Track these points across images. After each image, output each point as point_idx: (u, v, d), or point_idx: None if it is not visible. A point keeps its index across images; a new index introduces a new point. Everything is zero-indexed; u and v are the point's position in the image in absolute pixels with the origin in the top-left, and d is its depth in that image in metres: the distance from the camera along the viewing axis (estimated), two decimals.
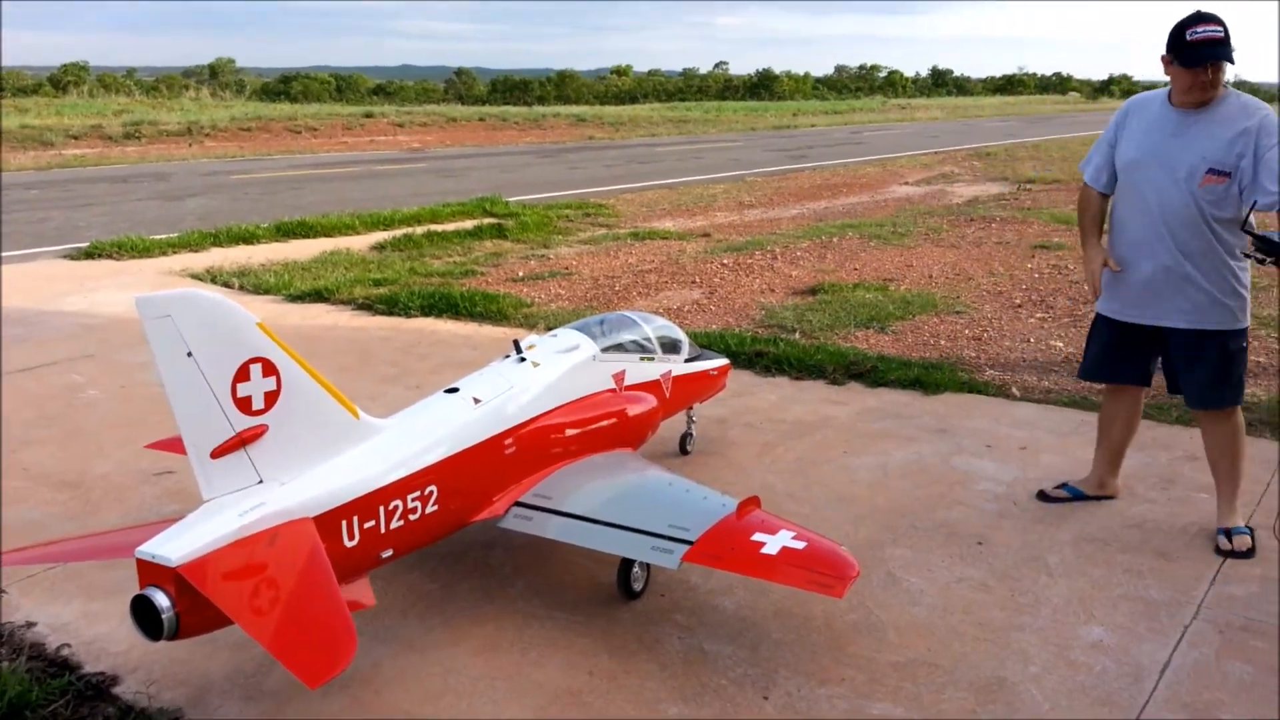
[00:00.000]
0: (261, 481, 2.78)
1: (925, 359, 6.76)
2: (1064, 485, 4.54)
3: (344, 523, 2.93)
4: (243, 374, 2.68)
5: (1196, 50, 3.75)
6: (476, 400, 3.50)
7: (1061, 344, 7.20)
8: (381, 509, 3.05)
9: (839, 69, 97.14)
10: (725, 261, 10.55)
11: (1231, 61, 3.78)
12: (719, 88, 75.13)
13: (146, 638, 2.59)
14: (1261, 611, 3.53)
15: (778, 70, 78.81)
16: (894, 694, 3.05)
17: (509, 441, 3.54)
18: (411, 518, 3.16)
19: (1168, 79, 3.96)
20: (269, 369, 2.74)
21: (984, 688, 3.08)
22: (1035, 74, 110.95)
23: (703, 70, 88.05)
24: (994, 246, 11.48)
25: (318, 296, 8.96)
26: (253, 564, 2.59)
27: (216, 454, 2.67)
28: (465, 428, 3.41)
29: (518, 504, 3.54)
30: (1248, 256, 3.78)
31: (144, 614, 2.56)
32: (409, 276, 9.80)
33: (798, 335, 7.39)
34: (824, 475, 4.80)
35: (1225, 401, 4.07)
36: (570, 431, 3.80)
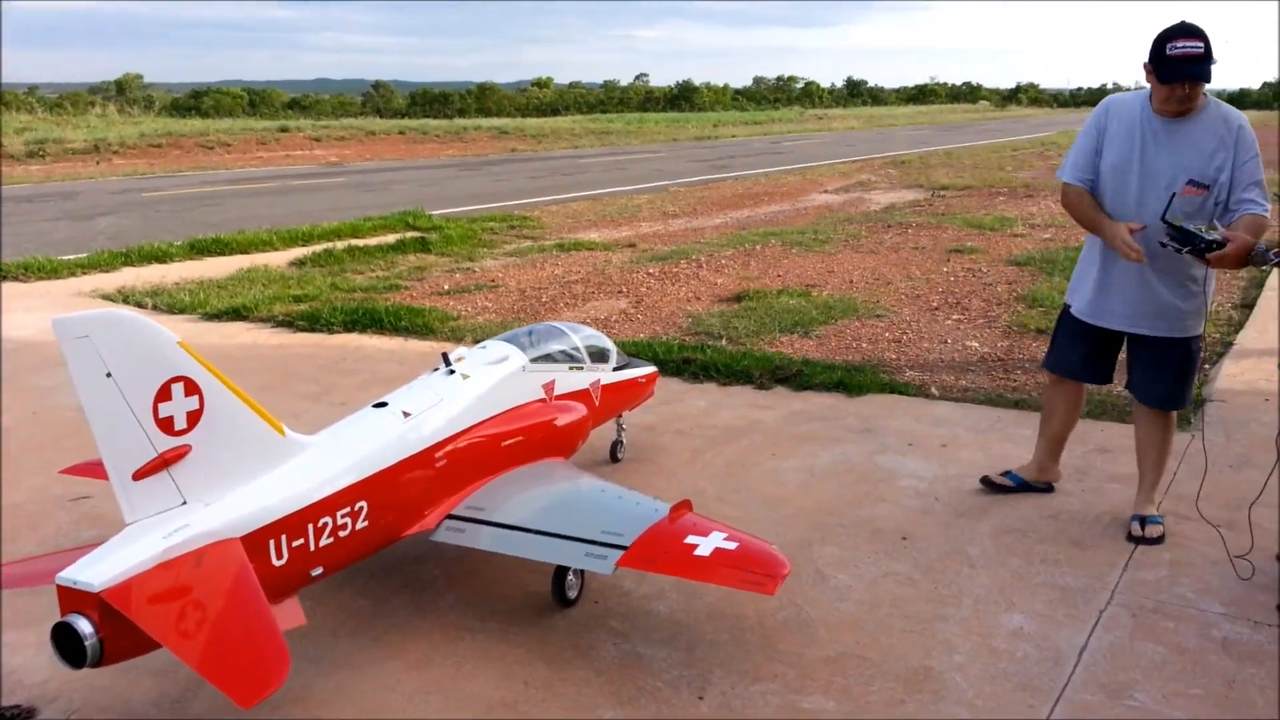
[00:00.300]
0: (185, 503, 2.72)
1: (848, 362, 6.90)
2: (1007, 473, 4.66)
3: (272, 542, 2.89)
4: (164, 394, 2.63)
5: (1174, 67, 3.74)
6: (406, 414, 3.48)
7: (977, 344, 7.42)
8: (310, 527, 3.01)
9: (757, 80, 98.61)
10: (651, 271, 10.63)
11: (1208, 80, 3.77)
12: (640, 99, 75.64)
13: (69, 666, 2.52)
14: (1171, 595, 3.70)
15: (698, 82, 79.76)
16: (825, 688, 3.11)
17: (440, 454, 3.52)
18: (341, 534, 3.13)
19: (1146, 84, 3.95)
20: (191, 388, 2.69)
21: (911, 678, 3.16)
22: (946, 83, 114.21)
23: (624, 82, 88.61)
24: (911, 252, 11.77)
25: (235, 314, 8.76)
26: (179, 586, 2.53)
27: (138, 475, 2.61)
28: (395, 442, 3.38)
29: (450, 517, 3.52)
30: (1163, 245, 3.78)
31: (66, 642, 2.48)
32: (330, 292, 9.65)
33: (724, 342, 7.48)
34: (753, 478, 4.87)
35: (1180, 403, 4.22)
36: (501, 442, 3.79)
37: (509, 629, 3.49)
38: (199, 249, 12.16)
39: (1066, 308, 4.44)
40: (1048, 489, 4.64)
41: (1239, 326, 7.79)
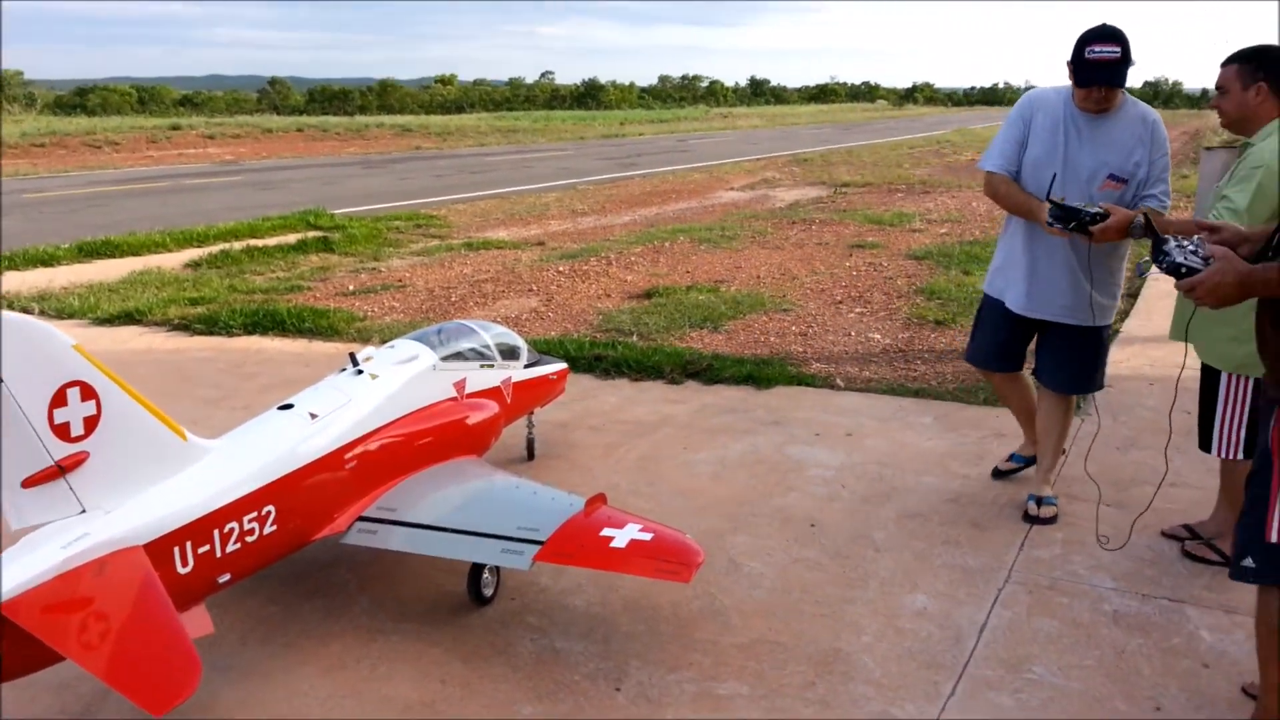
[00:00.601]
0: (85, 511, 2.63)
1: (757, 355, 7.01)
2: (1011, 456, 4.81)
3: (176, 549, 2.81)
4: (60, 399, 2.54)
5: (1089, 71, 3.85)
6: (313, 415, 3.41)
7: (879, 336, 7.63)
8: (216, 533, 2.94)
9: (663, 79, 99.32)
10: (561, 269, 10.61)
11: (1122, 85, 3.89)
12: (546, 97, 75.41)
13: None
14: (1064, 572, 3.87)
15: (603, 80, 79.86)
16: (739, 673, 3.18)
17: (349, 456, 3.46)
18: (249, 540, 3.05)
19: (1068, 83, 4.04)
20: (88, 393, 2.60)
21: (822, 659, 3.25)
22: (846, 83, 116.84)
23: (529, 80, 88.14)
24: (815, 247, 12.02)
25: (129, 319, 8.44)
26: (81, 596, 2.44)
27: (29, 483, 2.50)
28: (302, 444, 3.31)
29: (361, 518, 3.46)
30: (1049, 225, 3.87)
31: None
32: (229, 294, 9.37)
33: (635, 338, 7.53)
34: (666, 471, 4.92)
35: (1092, 387, 4.37)
36: (413, 442, 3.74)
37: (424, 629, 3.46)
38: (88, 251, 11.67)
39: (986, 298, 4.52)
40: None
41: (1124, 315, 8.18)
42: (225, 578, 3.00)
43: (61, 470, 2.57)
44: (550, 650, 3.33)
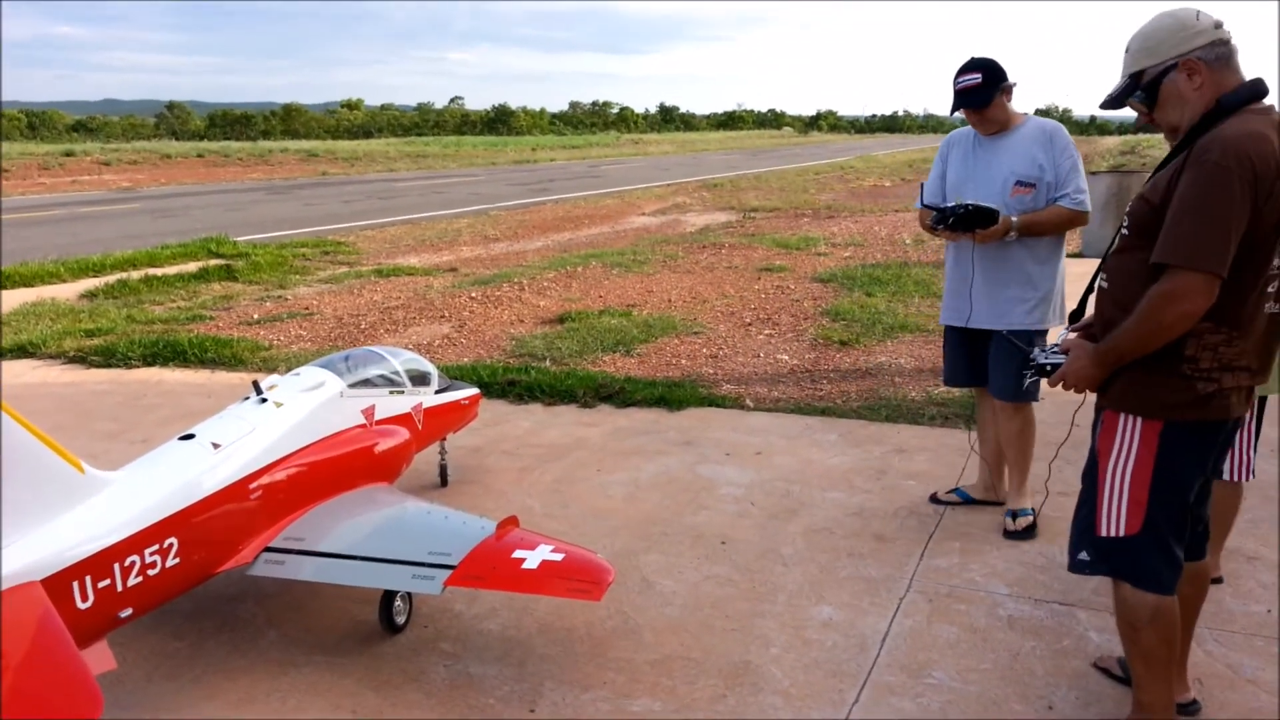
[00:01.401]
0: None
1: (669, 378, 7.12)
2: (955, 489, 4.83)
3: (75, 584, 2.74)
4: None
5: (957, 98, 4.25)
6: (215, 445, 3.36)
7: (787, 356, 7.82)
8: (116, 566, 2.87)
9: (574, 105, 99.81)
10: (473, 295, 10.59)
11: (984, 106, 4.22)
12: (456, 122, 75.09)
13: None
14: (962, 580, 4.03)
15: (514, 106, 79.90)
16: (651, 690, 3.23)
17: (254, 486, 3.41)
18: (150, 573, 2.99)
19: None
20: None
21: (732, 673, 3.32)
22: (753, 110, 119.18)
23: (439, 105, 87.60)
24: (725, 271, 12.24)
25: (21, 352, 8.14)
26: None
27: None
28: (204, 475, 3.25)
29: (268, 549, 3.41)
30: (930, 229, 4.28)
31: None
32: (127, 325, 9.09)
33: (548, 363, 7.56)
34: (580, 493, 4.97)
35: (1024, 396, 4.43)
36: (320, 471, 3.68)
37: (336, 660, 3.42)
38: None
39: (945, 326, 4.68)
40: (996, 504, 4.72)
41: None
42: (127, 612, 2.93)
43: None
44: (464, 675, 3.33)
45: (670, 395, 6.56)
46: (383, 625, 3.55)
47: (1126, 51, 2.76)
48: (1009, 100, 4.30)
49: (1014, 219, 4.15)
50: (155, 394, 6.93)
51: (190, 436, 3.40)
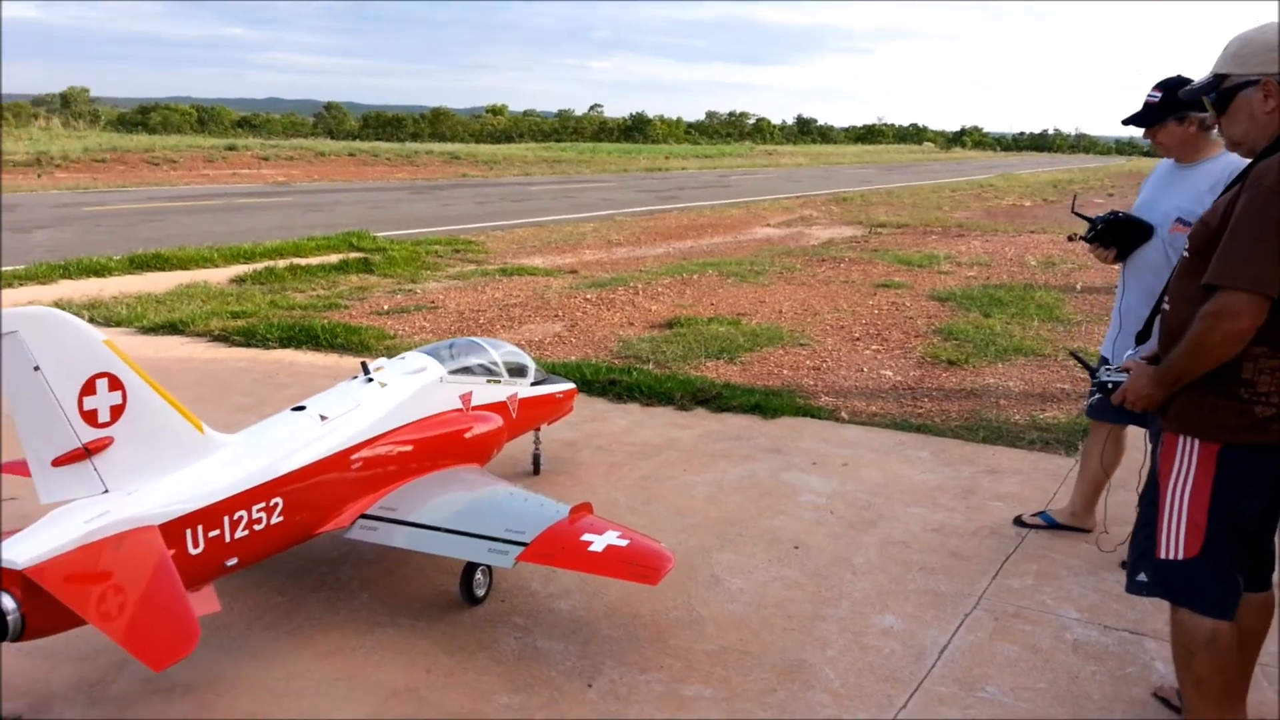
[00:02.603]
0: (107, 491, 2.90)
1: (767, 386, 7.21)
2: (1040, 514, 4.80)
3: (189, 531, 3.08)
4: (89, 388, 2.81)
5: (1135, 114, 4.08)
6: (323, 417, 3.69)
7: (891, 373, 7.79)
8: (226, 519, 3.20)
9: (710, 115, 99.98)
10: (589, 296, 10.90)
11: (1149, 125, 4.05)
12: (594, 129, 76.36)
13: None
14: (1032, 601, 4.02)
15: (651, 114, 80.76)
16: (705, 677, 3.37)
17: (355, 457, 3.73)
18: (256, 528, 3.32)
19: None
20: (115, 384, 2.88)
21: (785, 669, 3.44)
22: (894, 124, 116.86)
23: (578, 111, 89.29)
24: (841, 285, 12.21)
25: (172, 329, 8.86)
26: (99, 567, 2.72)
27: (58, 463, 2.79)
28: (310, 443, 3.57)
29: (364, 516, 3.72)
30: (1080, 239, 4.19)
31: None
32: (269, 310, 9.77)
33: (651, 365, 7.76)
34: (664, 491, 5.14)
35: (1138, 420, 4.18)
36: (416, 448, 3.99)
37: (417, 624, 3.70)
38: (139, 264, 12.22)
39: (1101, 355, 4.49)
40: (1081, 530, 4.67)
41: None
42: (233, 561, 3.27)
43: (88, 452, 2.84)
44: (532, 648, 3.55)
45: (766, 403, 6.66)
46: (463, 596, 3.81)
47: (1223, 49, 2.75)
48: (1193, 129, 4.00)
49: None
50: (287, 374, 7.45)
51: (301, 408, 3.75)
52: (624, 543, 3.40)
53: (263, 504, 3.33)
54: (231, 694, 3.24)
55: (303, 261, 12.90)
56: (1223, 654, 2.74)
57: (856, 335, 9.23)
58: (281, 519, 3.41)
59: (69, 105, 61.04)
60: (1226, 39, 2.79)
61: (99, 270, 11.69)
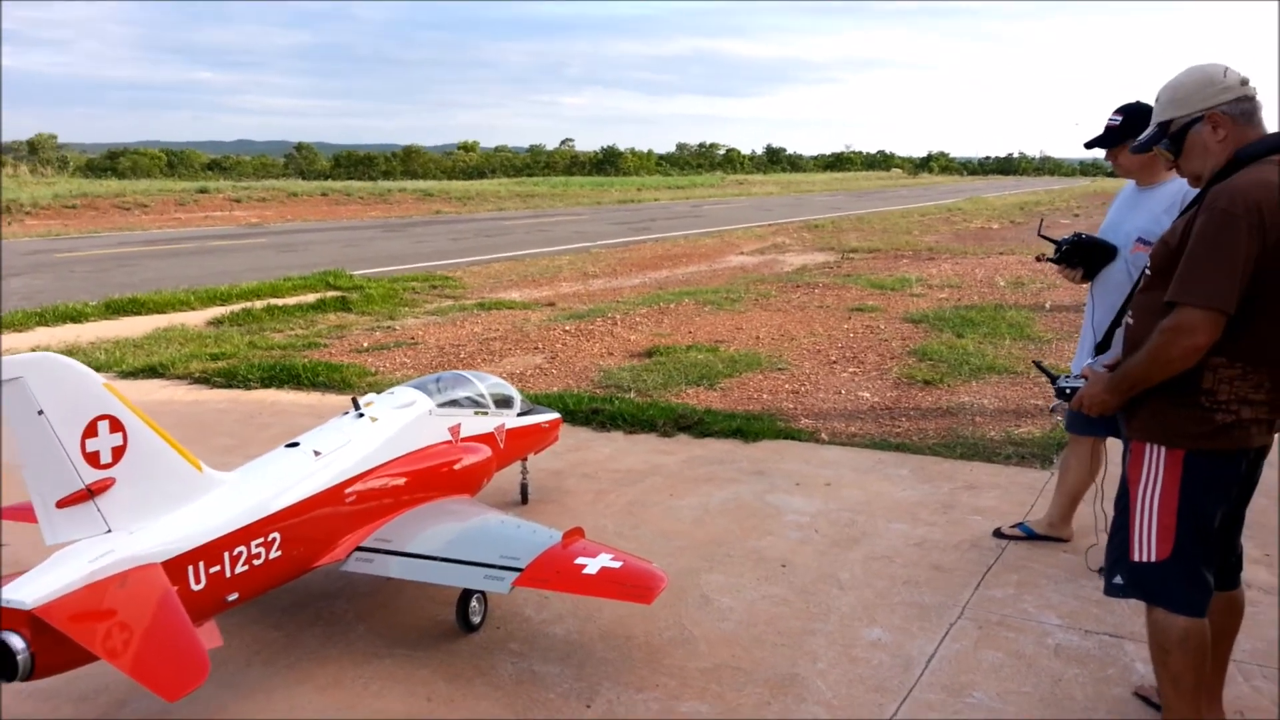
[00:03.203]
0: (110, 530, 2.96)
1: (748, 411, 7.32)
2: (1019, 525, 4.92)
3: (190, 568, 3.13)
4: (91, 430, 2.89)
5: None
6: (317, 453, 3.76)
7: (868, 394, 7.93)
8: (226, 555, 3.26)
9: (680, 146, 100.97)
10: (568, 328, 11.00)
11: (1107, 147, 4.27)
12: (566, 163, 76.86)
13: (1, 680, 2.71)
14: (1015, 610, 4.13)
15: (622, 147, 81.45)
16: (701, 694, 3.45)
17: (349, 491, 3.79)
18: (255, 563, 3.37)
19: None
20: (115, 425, 2.95)
21: (778, 683, 3.52)
22: (861, 152, 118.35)
23: (549, 146, 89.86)
24: (816, 310, 12.38)
25: (152, 372, 8.86)
26: (106, 605, 2.77)
27: (62, 504, 2.86)
28: (306, 479, 3.64)
29: (359, 548, 3.78)
30: (1047, 260, 4.37)
31: None
32: (248, 350, 9.78)
33: (633, 394, 7.86)
34: (651, 516, 5.22)
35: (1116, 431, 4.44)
36: (408, 480, 4.08)
37: (414, 654, 3.75)
38: (115, 309, 12.19)
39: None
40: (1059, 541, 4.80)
41: None
42: (233, 596, 3.31)
43: (91, 493, 2.90)
44: (529, 672, 3.61)
45: (747, 427, 6.77)
46: (459, 624, 3.86)
47: (1156, 101, 2.92)
48: (1150, 153, 4.23)
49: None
50: (269, 413, 7.49)
51: (295, 445, 3.81)
52: (617, 565, 3.48)
53: (261, 539, 3.39)
54: None
55: (280, 302, 12.92)
56: (1197, 651, 2.86)
57: (833, 358, 9.38)
58: (280, 553, 3.47)
59: (36, 152, 60.73)
60: (1177, 67, 2.96)
61: (75, 316, 11.66)
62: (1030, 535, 4.86)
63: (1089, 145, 4.35)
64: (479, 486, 4.54)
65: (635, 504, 5.41)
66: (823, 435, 6.72)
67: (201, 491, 3.28)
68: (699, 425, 6.86)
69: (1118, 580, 2.97)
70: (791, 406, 7.58)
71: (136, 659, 2.69)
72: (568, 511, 5.28)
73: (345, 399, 7.83)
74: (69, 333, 10.74)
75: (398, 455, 4.06)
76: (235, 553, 3.30)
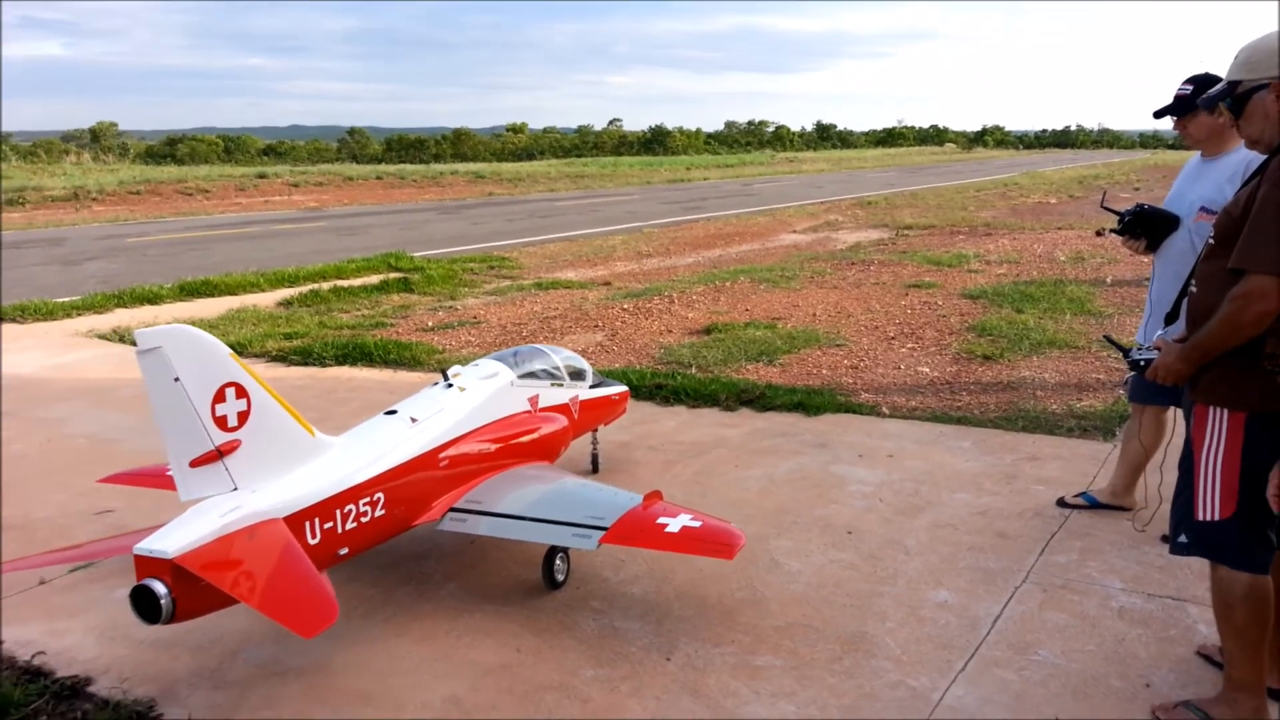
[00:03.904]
0: (237, 488, 3.24)
1: (808, 386, 7.45)
2: (1082, 494, 5.02)
3: (307, 523, 3.41)
4: (220, 396, 3.17)
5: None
6: (413, 420, 4.03)
7: (928, 369, 8.01)
8: (338, 512, 3.54)
9: (729, 124, 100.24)
10: (626, 307, 11.19)
11: (1180, 114, 4.28)
12: (614, 143, 76.87)
13: (146, 623, 3.00)
14: (1079, 575, 4.24)
15: (670, 126, 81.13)
16: (775, 649, 3.63)
17: (442, 456, 4.06)
18: (363, 520, 3.65)
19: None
20: (240, 392, 3.23)
21: (849, 640, 3.68)
22: (914, 126, 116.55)
23: (597, 127, 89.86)
24: (872, 287, 12.42)
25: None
26: (236, 554, 3.06)
27: (195, 464, 3.14)
28: (404, 443, 3.92)
29: (452, 509, 4.04)
30: (1110, 232, 4.43)
31: (143, 603, 2.97)
32: (319, 330, 10.13)
33: (694, 370, 8.03)
34: (718, 485, 5.40)
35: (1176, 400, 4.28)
36: (494, 446, 4.35)
37: (502, 609, 3.98)
38: (189, 291, 12.65)
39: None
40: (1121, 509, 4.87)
41: None
42: (344, 550, 3.58)
43: (220, 454, 3.18)
44: (610, 628, 3.82)
45: (809, 401, 6.90)
46: (545, 581, 4.10)
47: (1234, 59, 3.00)
48: (1222, 120, 4.15)
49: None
50: (346, 389, 7.79)
51: (393, 412, 4.09)
52: (697, 524, 3.69)
53: (368, 498, 3.67)
54: (341, 675, 3.53)
55: (345, 283, 13.29)
56: (1260, 605, 2.96)
57: (891, 335, 9.45)
58: (383, 512, 3.74)
59: (98, 140, 62.29)
60: (1242, 39, 3.04)
61: (151, 298, 12.12)
62: (1094, 504, 4.95)
63: (1158, 114, 4.41)
64: (557, 454, 4.77)
65: (702, 474, 5.58)
66: (883, 409, 6.84)
67: (315, 454, 3.55)
68: (761, 399, 7.02)
69: (1183, 539, 3.09)
70: (851, 381, 7.69)
71: (271, 600, 2.97)
72: (638, 480, 5.47)
73: (416, 375, 8.15)
74: (146, 314, 11.17)
75: (484, 423, 4.33)
76: (345, 510, 3.58)
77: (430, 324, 10.54)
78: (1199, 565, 4.15)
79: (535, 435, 4.57)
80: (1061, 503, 5.02)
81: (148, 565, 2.96)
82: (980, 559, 4.40)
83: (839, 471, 5.57)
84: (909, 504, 5.06)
